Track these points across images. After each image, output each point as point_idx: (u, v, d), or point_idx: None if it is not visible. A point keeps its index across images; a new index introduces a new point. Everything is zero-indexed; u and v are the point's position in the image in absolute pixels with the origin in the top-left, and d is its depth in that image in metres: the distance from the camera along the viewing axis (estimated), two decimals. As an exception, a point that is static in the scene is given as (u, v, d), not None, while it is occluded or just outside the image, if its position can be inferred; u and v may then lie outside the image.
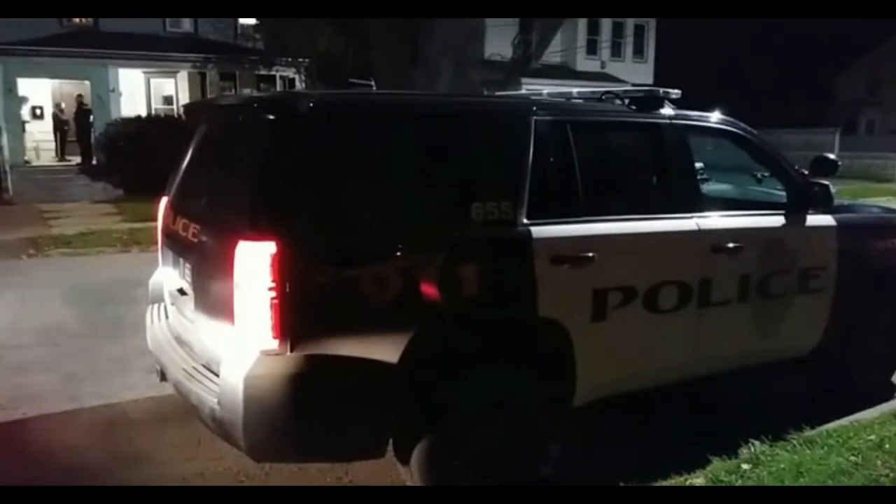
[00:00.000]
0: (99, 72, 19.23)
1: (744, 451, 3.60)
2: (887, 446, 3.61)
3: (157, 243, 3.93)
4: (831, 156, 4.52)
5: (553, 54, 25.97)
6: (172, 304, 3.62)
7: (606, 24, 28.60)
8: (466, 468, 3.11)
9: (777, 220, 4.14)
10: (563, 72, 25.16)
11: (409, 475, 3.11)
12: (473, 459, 3.13)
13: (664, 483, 3.29)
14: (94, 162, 18.11)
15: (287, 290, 2.66)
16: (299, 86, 21.23)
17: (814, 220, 4.23)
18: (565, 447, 3.49)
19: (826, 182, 4.27)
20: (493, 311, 3.14)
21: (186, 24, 21.65)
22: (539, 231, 3.19)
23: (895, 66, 39.66)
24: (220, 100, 4.05)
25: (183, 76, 21.18)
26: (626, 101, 3.89)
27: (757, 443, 3.66)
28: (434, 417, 3.03)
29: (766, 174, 4.51)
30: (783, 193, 4.32)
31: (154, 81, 21.24)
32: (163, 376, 3.46)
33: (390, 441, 3.04)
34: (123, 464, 3.67)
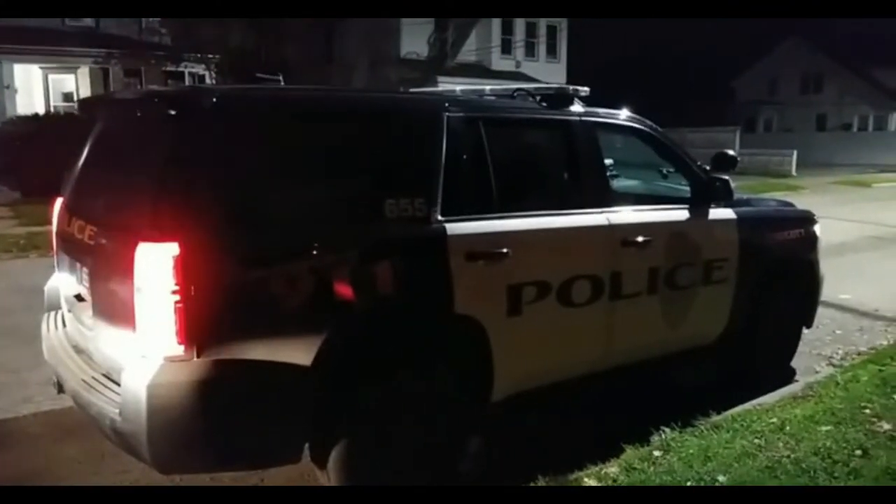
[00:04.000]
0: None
1: (655, 439, 3.71)
2: (788, 428, 3.79)
3: (54, 248, 3.72)
4: (731, 152, 4.72)
5: (468, 53, 26.22)
6: (69, 310, 3.42)
7: (520, 24, 29.04)
8: (385, 468, 3.07)
9: (682, 214, 4.28)
10: (479, 70, 25.36)
11: (327, 478, 3.05)
12: (392, 459, 3.09)
13: (581, 473, 3.35)
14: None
15: (192, 293, 2.55)
16: (209, 82, 20.61)
17: (716, 213, 4.40)
18: (484, 444, 3.50)
19: (726, 177, 4.45)
20: (409, 309, 3.12)
21: (87, 18, 20.64)
22: (453, 228, 3.18)
23: (791, 67, 42.01)
24: (118, 94, 3.85)
25: (84, 72, 20.21)
26: (538, 98, 3.94)
27: (667, 430, 3.78)
28: (350, 419, 2.98)
29: (671, 170, 4.67)
30: (687, 188, 4.48)
31: (53, 77, 20.18)
32: (60, 388, 3.27)
33: (306, 445, 2.97)
34: (21, 482, 3.44)
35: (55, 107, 19.65)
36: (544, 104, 3.88)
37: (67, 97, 20.29)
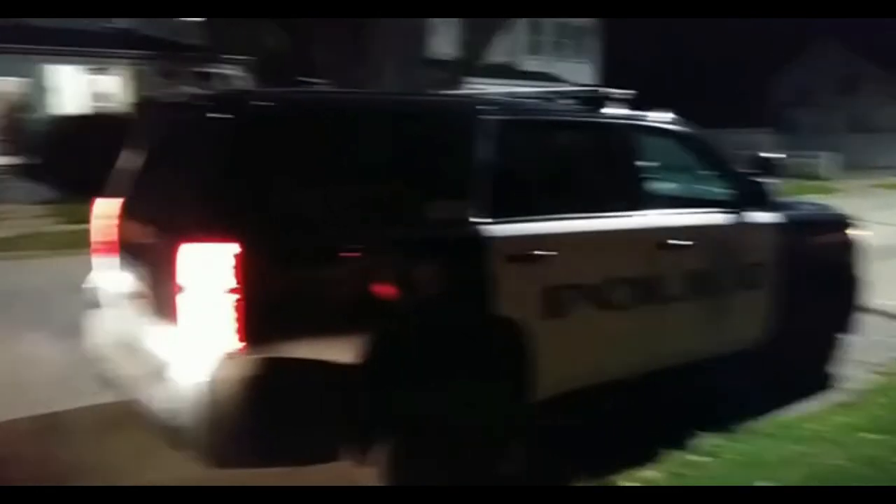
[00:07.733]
0: (33, 69, 18.49)
1: (696, 444, 3.69)
2: (829, 435, 3.76)
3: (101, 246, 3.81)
4: (770, 155, 4.67)
5: (497, 54, 26.15)
6: (121, 307, 3.51)
7: (549, 25, 28.91)
8: (427, 468, 3.11)
9: (720, 218, 4.26)
10: (507, 71, 25.32)
11: (370, 477, 3.09)
12: (434, 459, 3.13)
13: (623, 476, 3.36)
14: (30, 163, 17.38)
15: (250, 291, 2.62)
16: (244, 83, 20.83)
17: (755, 217, 4.38)
18: (525, 445, 3.52)
19: (765, 180, 4.42)
20: (452, 311, 3.16)
21: (123, 20, 20.98)
22: (495, 230, 3.21)
23: (826, 68, 41.26)
24: (173, 97, 3.95)
25: (120, 73, 20.55)
26: (574, 100, 3.95)
27: (708, 435, 3.76)
28: (395, 418, 3.02)
29: (710, 172, 4.65)
30: (726, 191, 4.46)
31: (89, 78, 20.53)
32: (110, 382, 3.36)
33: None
34: (76, 475, 3.52)
35: (91, 107, 20.00)
36: (581, 106, 3.89)
37: (104, 98, 20.63)
